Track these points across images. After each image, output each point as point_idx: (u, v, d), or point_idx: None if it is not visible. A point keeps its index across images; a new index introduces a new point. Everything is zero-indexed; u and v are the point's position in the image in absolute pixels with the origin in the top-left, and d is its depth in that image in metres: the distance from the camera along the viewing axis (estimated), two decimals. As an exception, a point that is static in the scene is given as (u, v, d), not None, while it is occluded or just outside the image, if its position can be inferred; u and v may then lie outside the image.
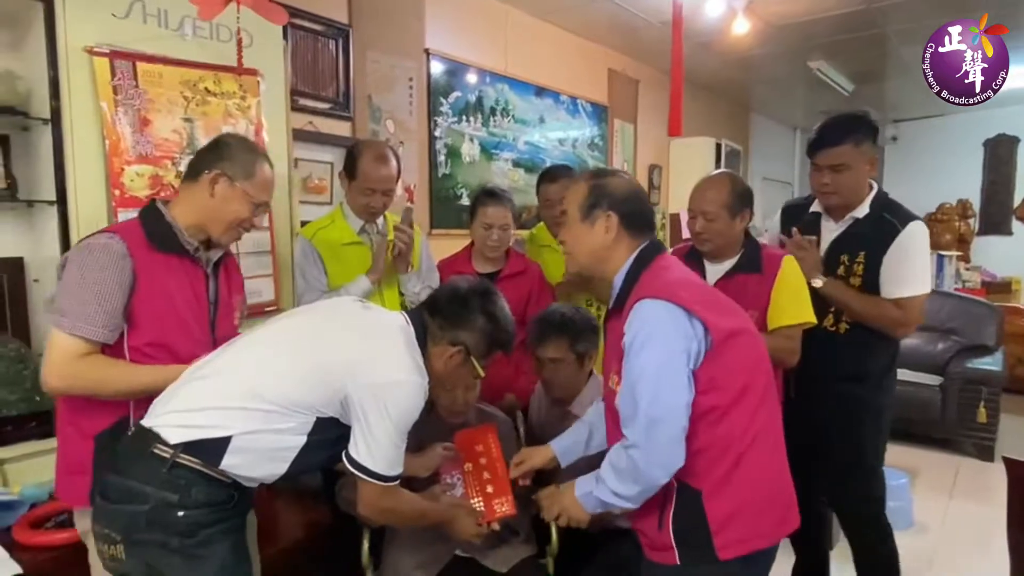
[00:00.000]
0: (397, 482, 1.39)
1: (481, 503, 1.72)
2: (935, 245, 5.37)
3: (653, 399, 1.23)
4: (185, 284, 1.46)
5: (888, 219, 1.94)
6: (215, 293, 1.54)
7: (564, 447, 1.67)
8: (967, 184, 7.19)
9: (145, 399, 1.36)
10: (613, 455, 1.32)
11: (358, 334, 1.40)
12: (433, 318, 1.48)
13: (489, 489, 1.74)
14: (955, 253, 6.23)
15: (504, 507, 1.71)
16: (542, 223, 2.59)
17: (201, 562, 1.23)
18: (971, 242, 7.16)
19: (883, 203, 1.98)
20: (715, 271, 1.91)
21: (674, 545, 1.30)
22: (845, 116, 1.99)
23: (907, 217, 1.94)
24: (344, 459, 1.34)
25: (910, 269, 1.92)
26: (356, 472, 1.33)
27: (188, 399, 1.29)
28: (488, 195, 2.31)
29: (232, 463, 1.26)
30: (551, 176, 2.46)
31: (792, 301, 1.84)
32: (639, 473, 1.25)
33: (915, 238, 1.92)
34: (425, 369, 1.40)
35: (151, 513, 1.20)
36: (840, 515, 2.18)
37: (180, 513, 1.21)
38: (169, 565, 1.22)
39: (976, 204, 7.22)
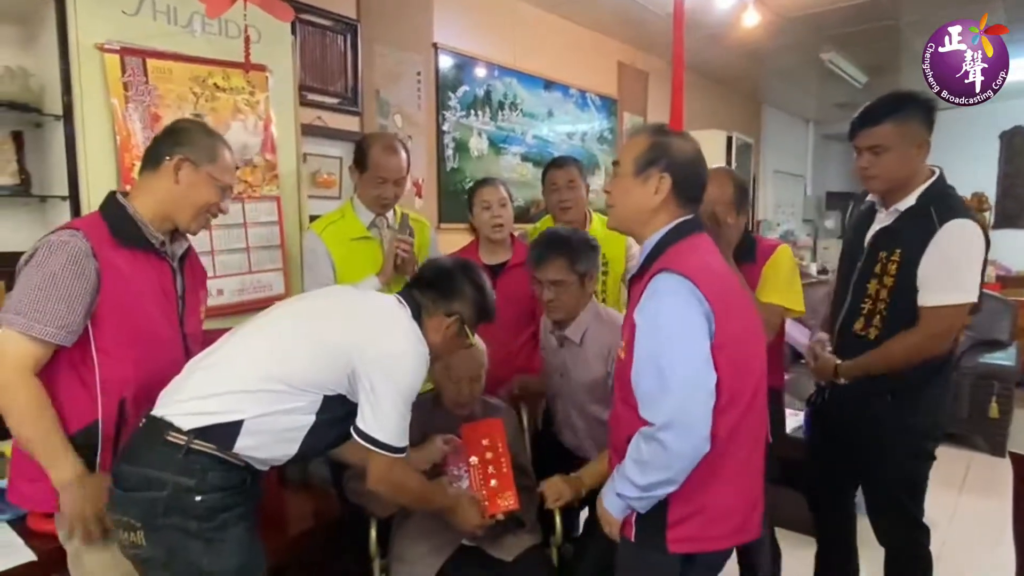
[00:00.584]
0: (405, 455, 1.42)
1: (485, 497, 1.74)
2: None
3: (681, 373, 1.19)
4: (153, 280, 1.43)
5: (931, 215, 1.70)
6: (182, 287, 1.51)
7: None
8: (982, 177, 7.08)
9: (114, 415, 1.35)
10: (633, 450, 1.26)
11: (360, 312, 1.45)
12: (424, 294, 1.53)
13: (493, 483, 1.75)
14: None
15: (507, 501, 1.72)
16: (547, 216, 2.59)
17: (220, 546, 1.27)
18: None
19: (934, 196, 1.74)
20: None
21: (633, 523, 1.32)
22: (891, 93, 1.78)
23: (950, 214, 1.69)
24: (352, 432, 1.38)
25: (943, 274, 1.68)
26: (365, 444, 1.37)
27: (197, 387, 1.32)
28: (479, 183, 2.41)
29: (245, 445, 1.30)
30: (558, 163, 2.49)
31: (778, 283, 1.85)
32: (670, 456, 1.19)
33: (953, 239, 1.67)
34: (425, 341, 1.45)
35: (169, 499, 1.23)
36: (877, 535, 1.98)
37: (198, 498, 1.25)
38: (190, 549, 1.25)
39: (992, 197, 7.12)
